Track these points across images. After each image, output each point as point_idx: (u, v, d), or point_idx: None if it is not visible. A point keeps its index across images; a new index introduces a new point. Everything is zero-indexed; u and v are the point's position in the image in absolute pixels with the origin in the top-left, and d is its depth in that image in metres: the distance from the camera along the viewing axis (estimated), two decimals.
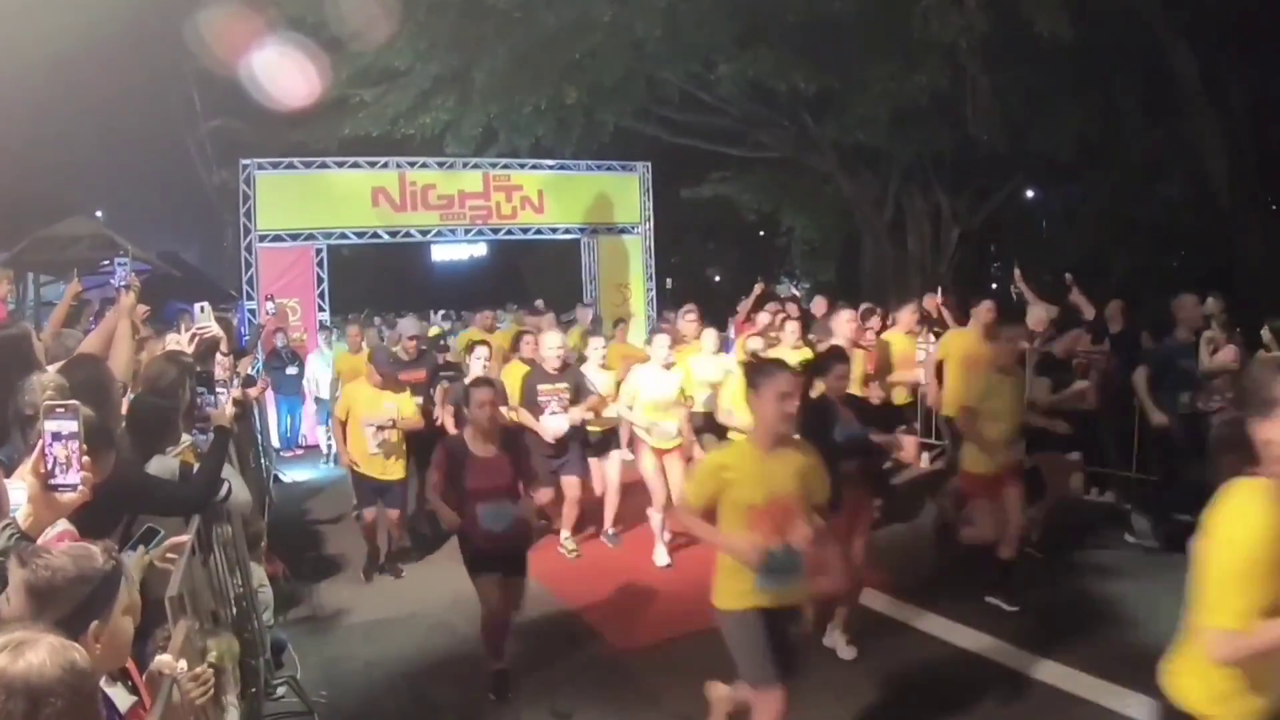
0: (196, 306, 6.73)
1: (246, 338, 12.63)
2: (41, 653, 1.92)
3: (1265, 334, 10.40)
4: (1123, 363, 10.15)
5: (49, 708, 1.86)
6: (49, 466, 2.59)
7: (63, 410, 2.60)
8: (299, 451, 15.06)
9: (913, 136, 16.70)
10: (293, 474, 13.58)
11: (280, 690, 6.00)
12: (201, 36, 16.18)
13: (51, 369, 4.39)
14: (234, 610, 5.30)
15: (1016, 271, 12.00)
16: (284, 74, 15.99)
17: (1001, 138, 15.84)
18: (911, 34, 13.87)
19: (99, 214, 22.36)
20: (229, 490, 4.84)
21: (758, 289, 12.90)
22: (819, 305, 14.12)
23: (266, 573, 6.66)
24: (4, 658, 1.90)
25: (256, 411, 10.56)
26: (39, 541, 2.70)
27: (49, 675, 1.88)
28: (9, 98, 16.78)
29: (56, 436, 2.59)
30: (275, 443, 14.24)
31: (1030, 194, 24.51)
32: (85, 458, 2.62)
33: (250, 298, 15.15)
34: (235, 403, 5.98)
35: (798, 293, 20.24)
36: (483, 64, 15.61)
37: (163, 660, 2.96)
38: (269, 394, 13.62)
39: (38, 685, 1.87)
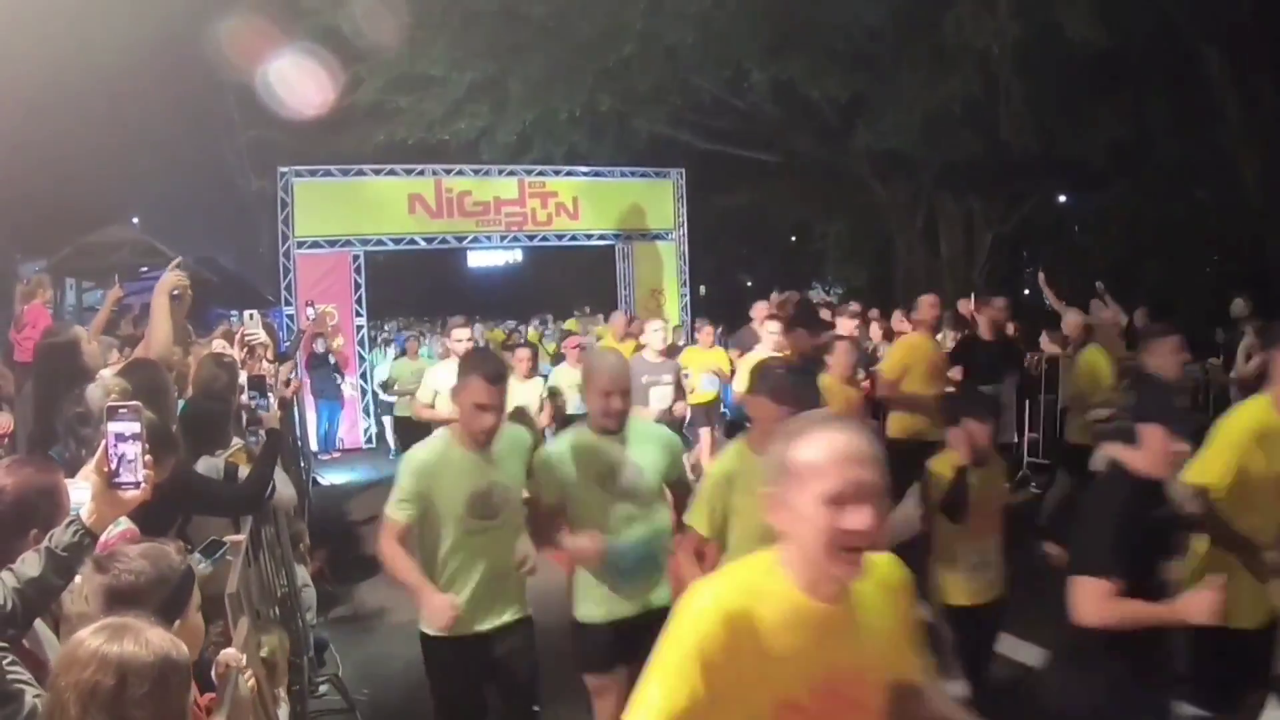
0: (245, 314, 6.85)
1: (286, 344, 12.80)
2: (142, 639, 2.05)
3: None
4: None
5: (135, 689, 1.99)
6: (113, 465, 2.67)
7: (125, 411, 2.68)
8: (336, 455, 15.23)
9: (945, 142, 16.66)
10: (330, 477, 13.73)
11: (323, 688, 6.09)
12: (239, 48, 16.38)
13: (108, 371, 4.51)
14: (278, 610, 5.41)
15: (1041, 275, 11.97)
16: (319, 82, 16.17)
17: (1033, 143, 15.82)
18: (944, 40, 13.91)
19: (135, 220, 22.58)
20: (273, 488, 4.93)
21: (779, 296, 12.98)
22: (853, 311, 14.15)
23: (310, 572, 6.78)
24: (104, 636, 2.04)
25: (296, 414, 10.69)
26: (101, 538, 2.80)
27: (142, 659, 2.01)
28: (50, 106, 17.02)
29: (120, 437, 2.66)
30: (314, 446, 14.40)
31: (1062, 199, 24.40)
32: (147, 456, 2.71)
33: (289, 304, 15.32)
34: (280, 403, 6.10)
35: (830, 298, 20.22)
36: (517, 72, 15.74)
37: (228, 654, 3.06)
38: (309, 398, 13.83)
39: (130, 667, 2.00)
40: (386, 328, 18.38)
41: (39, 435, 4.62)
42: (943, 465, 4.98)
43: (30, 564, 2.63)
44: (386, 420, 15.29)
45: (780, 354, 8.16)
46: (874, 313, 14.13)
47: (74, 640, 2.07)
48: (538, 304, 27.61)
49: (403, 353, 15.06)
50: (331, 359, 14.73)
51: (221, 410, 5.22)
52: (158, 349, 5.04)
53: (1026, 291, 13.47)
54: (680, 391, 9.15)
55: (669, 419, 8.37)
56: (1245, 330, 10.79)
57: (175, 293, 5.30)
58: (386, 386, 14.39)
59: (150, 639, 2.06)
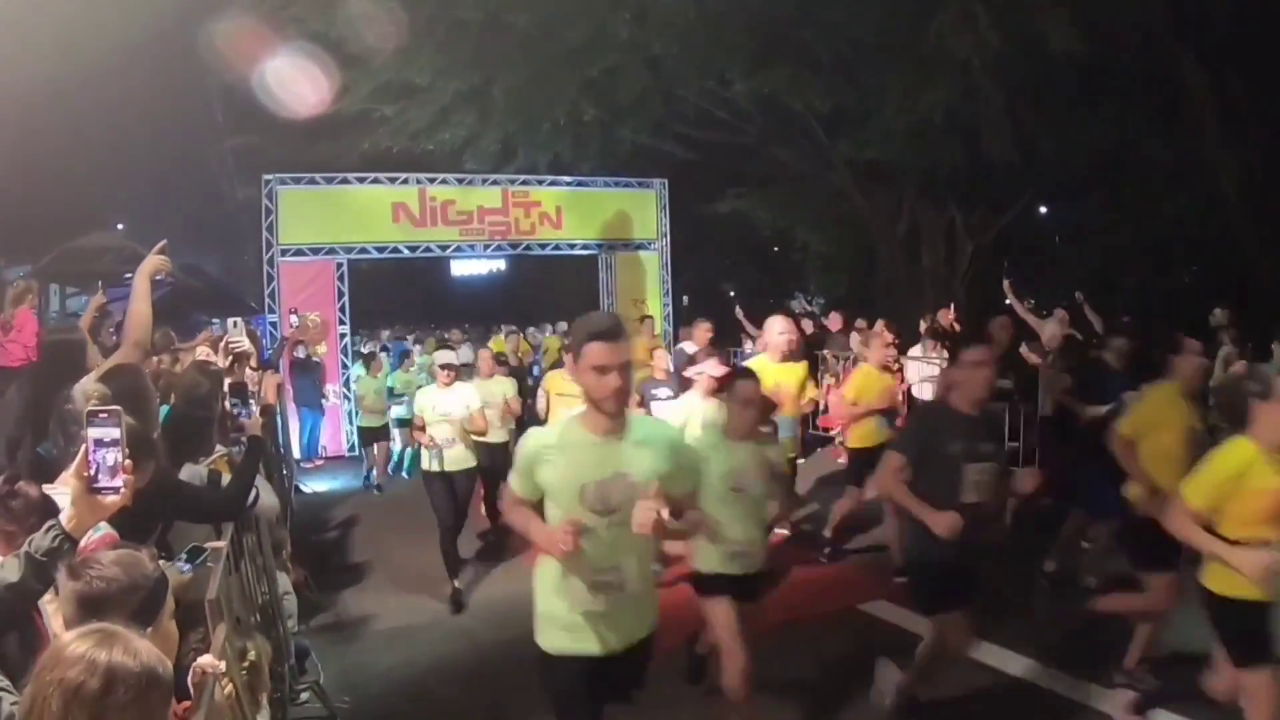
0: (230, 321, 6.85)
1: (269, 351, 12.76)
2: (131, 649, 2.07)
3: (1277, 349, 10.48)
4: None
5: (117, 695, 2.00)
6: (92, 471, 2.68)
7: (105, 416, 2.69)
8: (319, 462, 15.20)
9: (926, 152, 16.75)
10: (313, 485, 13.71)
11: (303, 696, 6.08)
12: (225, 53, 16.35)
13: (90, 376, 4.52)
14: (258, 617, 5.41)
15: (1007, 283, 11.98)
16: (305, 89, 16.15)
17: (1014, 153, 15.90)
18: (925, 51, 13.98)
19: (120, 227, 22.52)
20: (256, 496, 4.93)
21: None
22: (834, 321, 14.25)
23: (292, 582, 6.78)
24: (93, 640, 2.05)
25: (279, 421, 10.67)
26: (81, 543, 2.81)
27: (129, 668, 2.03)
28: (35, 112, 16.96)
29: (99, 443, 2.67)
30: (296, 454, 14.36)
31: (1043, 209, 24.54)
32: (127, 462, 2.72)
33: (272, 311, 15.30)
34: (263, 411, 6.11)
35: (813, 308, 20.30)
36: (502, 81, 15.77)
37: (205, 661, 3.07)
38: (291, 405, 13.79)
39: (116, 674, 2.01)
40: (384, 335, 17.95)
41: (33, 430, 4.63)
42: None
43: (9, 569, 2.64)
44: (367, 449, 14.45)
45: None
46: (861, 323, 14.22)
47: (61, 641, 2.08)
48: (521, 314, 27.61)
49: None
50: (315, 360, 14.71)
51: (204, 417, 5.23)
52: (136, 332, 5.02)
53: (1007, 301, 13.52)
54: None
55: None
56: (1224, 339, 10.89)
57: (158, 276, 5.27)
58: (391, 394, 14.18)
59: (139, 650, 2.08)
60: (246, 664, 3.90)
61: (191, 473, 4.86)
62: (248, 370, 7.46)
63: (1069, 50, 13.20)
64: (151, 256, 5.14)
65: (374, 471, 13.85)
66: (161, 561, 3.47)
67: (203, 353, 6.78)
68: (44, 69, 15.82)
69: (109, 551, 2.83)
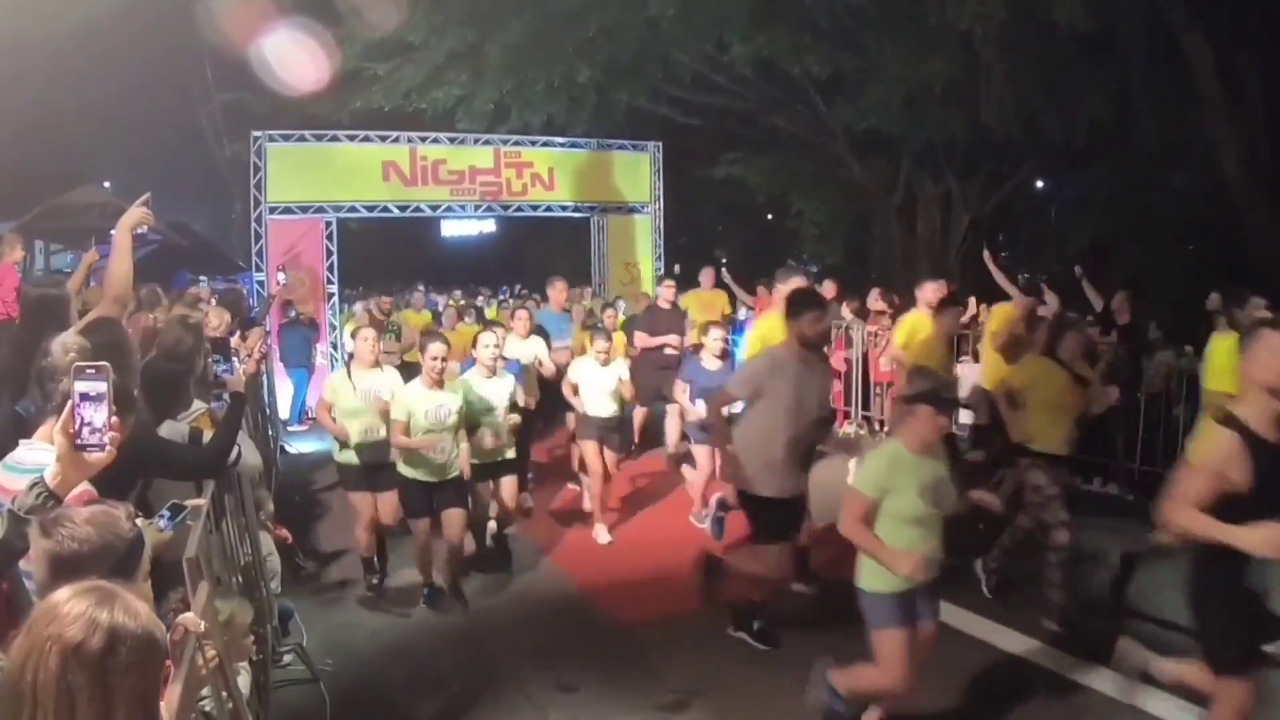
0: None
1: (256, 310, 12.63)
2: (131, 610, 1.97)
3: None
4: (1129, 353, 10.20)
5: (120, 656, 1.91)
6: (78, 427, 2.60)
7: (93, 371, 2.60)
8: (307, 426, 15.07)
9: (925, 121, 16.69)
10: (298, 446, 13.60)
11: (286, 658, 6.05)
12: (215, 10, 16.17)
13: (70, 330, 4.41)
14: (240, 578, 5.34)
15: (986, 254, 11.75)
16: (297, 48, 15.98)
17: (1014, 124, 15.81)
18: (927, 19, 13.87)
19: (106, 184, 22.38)
20: (239, 454, 4.85)
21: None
22: (828, 289, 14.18)
23: (279, 541, 6.71)
24: (92, 599, 1.95)
25: (265, 383, 10.57)
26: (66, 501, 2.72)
27: (130, 628, 1.94)
28: (22, 67, 16.79)
29: (85, 397, 2.59)
30: (284, 414, 14.23)
31: (1040, 183, 24.50)
32: (114, 418, 2.63)
33: (260, 269, 15.16)
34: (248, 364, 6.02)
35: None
36: (496, 40, 15.61)
37: (186, 619, 2.98)
38: (278, 365, 13.67)
39: (118, 634, 1.92)
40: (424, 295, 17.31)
41: (14, 385, 4.54)
42: None
43: None
44: None
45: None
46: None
47: (55, 598, 1.97)
48: (511, 275, 27.54)
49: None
50: (302, 317, 14.57)
51: (182, 371, 5.12)
52: (116, 287, 4.92)
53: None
54: None
55: None
56: (1218, 323, 10.85)
57: (140, 229, 5.15)
58: None
59: (139, 611, 2.00)
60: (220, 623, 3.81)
61: (172, 429, 4.77)
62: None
63: (1072, 22, 13.10)
64: (133, 209, 5.02)
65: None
66: (140, 520, 3.37)
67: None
68: (32, 26, 15.65)
69: (83, 509, 2.74)
